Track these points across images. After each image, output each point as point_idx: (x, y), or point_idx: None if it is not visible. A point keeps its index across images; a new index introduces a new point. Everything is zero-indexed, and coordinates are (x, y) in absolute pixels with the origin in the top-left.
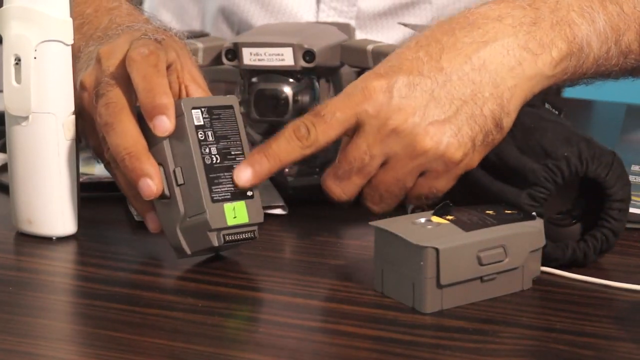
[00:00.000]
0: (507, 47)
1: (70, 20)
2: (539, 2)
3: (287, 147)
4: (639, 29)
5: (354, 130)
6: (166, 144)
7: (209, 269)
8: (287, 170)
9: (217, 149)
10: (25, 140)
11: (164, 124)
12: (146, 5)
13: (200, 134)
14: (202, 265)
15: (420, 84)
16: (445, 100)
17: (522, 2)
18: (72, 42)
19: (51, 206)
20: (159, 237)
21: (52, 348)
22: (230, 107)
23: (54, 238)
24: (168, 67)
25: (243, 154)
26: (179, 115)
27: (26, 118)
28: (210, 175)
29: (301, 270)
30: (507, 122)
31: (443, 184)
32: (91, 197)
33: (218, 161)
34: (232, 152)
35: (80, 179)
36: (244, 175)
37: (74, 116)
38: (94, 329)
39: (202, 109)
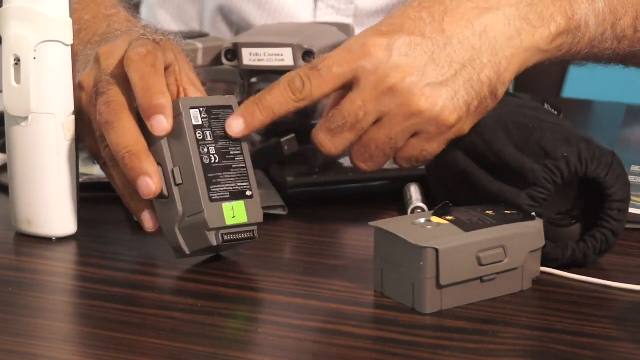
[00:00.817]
0: (508, 17)
1: (70, 20)
2: None
3: (281, 99)
4: (635, 15)
5: (349, 85)
6: (164, 144)
7: (208, 270)
8: (286, 170)
9: (215, 148)
10: (24, 141)
11: (162, 124)
12: (143, 8)
13: (199, 133)
14: (201, 266)
15: (421, 44)
16: (444, 63)
17: None
18: (71, 42)
19: (51, 206)
20: (158, 238)
21: (52, 348)
22: (230, 107)
23: (53, 238)
24: (166, 69)
25: (242, 154)
26: (177, 115)
27: (26, 118)
28: (209, 175)
29: (301, 271)
30: (502, 91)
31: (434, 146)
32: (91, 197)
33: (216, 161)
34: (231, 152)
35: (80, 179)
36: (236, 125)
37: (73, 116)
38: (93, 330)
39: (201, 109)
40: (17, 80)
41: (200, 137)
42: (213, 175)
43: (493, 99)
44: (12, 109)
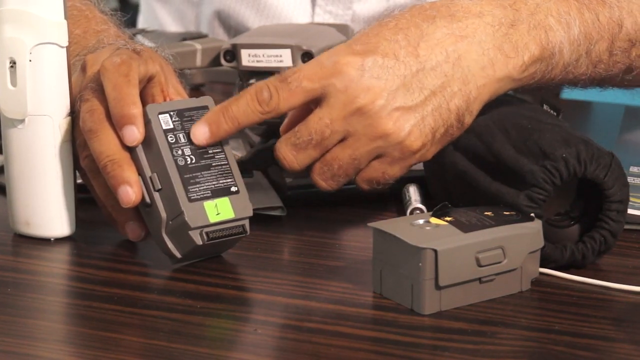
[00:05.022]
0: (482, 46)
1: (65, 22)
2: (519, 2)
3: (247, 109)
4: (611, 40)
5: (317, 100)
6: (140, 152)
7: (207, 271)
8: (285, 171)
9: (190, 149)
10: (21, 143)
11: (133, 134)
12: (142, 8)
13: (171, 137)
14: (200, 267)
15: (393, 67)
16: (415, 88)
17: (504, 1)
18: (67, 44)
19: (48, 208)
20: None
21: (50, 349)
22: (205, 107)
23: (51, 239)
24: (151, 79)
25: (223, 151)
26: (147, 122)
27: (22, 121)
28: (185, 176)
29: (299, 272)
30: (469, 120)
31: (396, 170)
32: (88, 198)
33: (193, 161)
34: (210, 151)
35: (77, 180)
36: (201, 132)
37: (70, 118)
38: (91, 331)
39: (171, 113)
40: (13, 83)
41: (172, 140)
42: (190, 175)
43: (459, 127)
44: (8, 111)
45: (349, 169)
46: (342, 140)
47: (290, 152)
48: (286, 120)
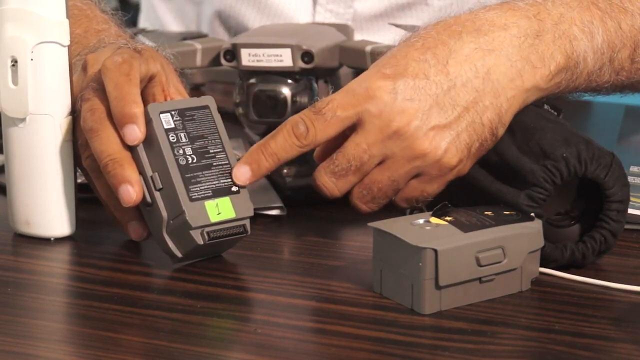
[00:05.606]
0: (510, 58)
1: (67, 21)
2: (543, 12)
3: (285, 144)
4: (633, 47)
5: (352, 127)
6: (140, 151)
7: (207, 270)
8: (285, 171)
9: (192, 149)
10: (22, 142)
11: (134, 133)
12: (144, 7)
13: (172, 136)
14: (200, 267)
15: (425, 87)
16: (448, 106)
17: (527, 12)
18: (68, 43)
19: (49, 207)
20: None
21: (50, 349)
22: (206, 107)
23: (51, 239)
24: (152, 78)
25: (224, 151)
26: (148, 122)
27: (23, 120)
28: (187, 175)
29: (299, 272)
30: (501, 131)
31: (435, 187)
32: (89, 198)
33: (194, 161)
34: (211, 151)
35: (78, 180)
36: (242, 173)
37: (71, 117)
38: (92, 330)
39: (172, 112)
40: (15, 81)
41: (173, 139)
42: (191, 175)
43: (493, 140)
44: (9, 110)
45: (389, 190)
46: (379, 163)
47: (329, 180)
48: (320, 147)
